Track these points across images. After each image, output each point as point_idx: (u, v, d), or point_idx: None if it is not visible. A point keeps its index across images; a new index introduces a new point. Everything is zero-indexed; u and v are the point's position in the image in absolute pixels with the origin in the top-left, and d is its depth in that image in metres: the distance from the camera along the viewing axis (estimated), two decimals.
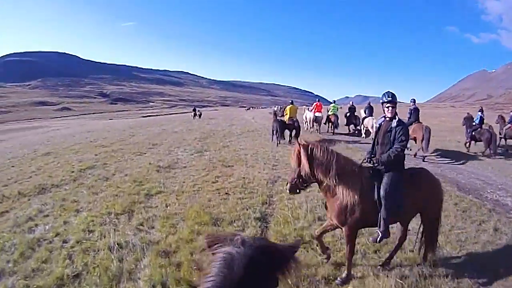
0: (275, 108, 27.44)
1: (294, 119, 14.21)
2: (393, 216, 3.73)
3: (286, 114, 14.71)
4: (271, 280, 1.17)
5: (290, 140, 13.95)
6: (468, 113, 14.19)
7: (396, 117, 3.88)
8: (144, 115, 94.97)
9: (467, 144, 12.91)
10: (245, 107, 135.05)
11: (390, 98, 3.87)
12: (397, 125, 3.82)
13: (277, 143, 13.27)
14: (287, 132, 14.30)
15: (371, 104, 17.16)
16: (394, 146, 3.79)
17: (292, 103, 15.51)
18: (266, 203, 6.05)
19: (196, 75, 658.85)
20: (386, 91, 3.94)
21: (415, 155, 11.17)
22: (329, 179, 3.62)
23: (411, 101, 12.28)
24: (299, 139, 5.23)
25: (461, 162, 10.91)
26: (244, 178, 7.58)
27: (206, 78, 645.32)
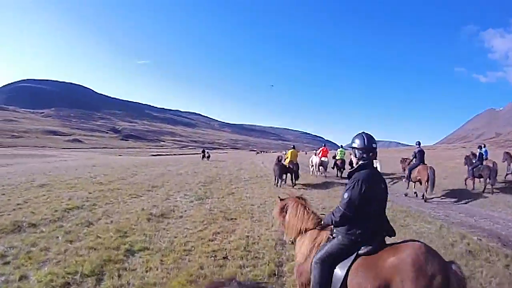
0: (284, 153, 25.93)
1: (294, 163, 15.03)
2: None
3: (287, 158, 15.50)
4: None
5: (293, 184, 14.76)
6: (472, 152, 14.86)
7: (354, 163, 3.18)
8: (154, 153, 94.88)
9: (468, 182, 13.36)
10: (255, 150, 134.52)
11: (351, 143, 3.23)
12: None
13: (277, 185, 14.20)
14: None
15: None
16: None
17: (293, 147, 16.60)
18: (274, 274, 4.68)
19: (208, 117, 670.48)
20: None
21: (425, 200, 11.23)
22: (287, 235, 3.68)
23: (416, 144, 12.55)
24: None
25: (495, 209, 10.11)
26: (248, 236, 6.21)
27: (217, 121, 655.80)
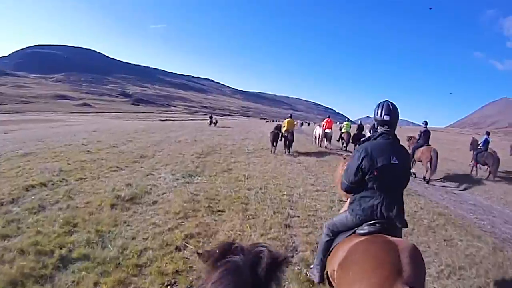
0: (298, 123, 26.44)
1: (290, 131, 15.40)
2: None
3: (284, 127, 15.69)
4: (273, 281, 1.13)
5: (286, 151, 15.22)
6: (473, 138, 14.98)
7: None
8: (163, 118, 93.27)
9: (472, 167, 13.38)
10: (265, 119, 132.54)
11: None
12: None
13: (272, 151, 14.76)
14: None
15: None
16: None
17: (290, 117, 16.49)
18: None
19: (220, 83, 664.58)
20: None
21: (427, 181, 10.93)
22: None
23: (423, 123, 12.32)
24: None
25: None
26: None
27: (229, 87, 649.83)
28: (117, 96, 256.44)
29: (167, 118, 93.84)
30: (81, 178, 8.11)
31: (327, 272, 2.68)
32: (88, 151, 12.38)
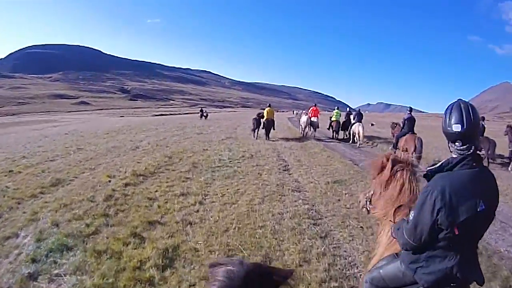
0: (295, 112, 29.21)
1: (269, 120, 16.63)
2: None
3: (265, 116, 16.84)
4: None
5: (266, 137, 16.27)
6: None
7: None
8: (157, 113, 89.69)
9: None
10: (263, 109, 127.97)
11: None
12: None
13: (254, 136, 16.60)
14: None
15: (361, 111, 17.72)
16: None
17: (269, 106, 17.55)
18: None
19: (219, 75, 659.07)
20: None
21: None
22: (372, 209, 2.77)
23: (407, 110, 11.95)
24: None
25: None
26: None
27: (228, 79, 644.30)
28: (115, 93, 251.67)
29: (161, 113, 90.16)
30: None
31: None
32: (11, 170, 9.18)
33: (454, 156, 1.83)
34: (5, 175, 8.57)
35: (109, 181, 7.81)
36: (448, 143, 1.86)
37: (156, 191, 6.89)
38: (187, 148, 12.84)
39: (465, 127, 1.73)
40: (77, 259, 4.08)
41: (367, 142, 16.80)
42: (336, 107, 20.07)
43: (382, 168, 2.55)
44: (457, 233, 1.72)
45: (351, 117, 17.66)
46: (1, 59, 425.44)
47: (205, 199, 6.29)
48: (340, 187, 7.25)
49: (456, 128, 1.75)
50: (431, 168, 1.91)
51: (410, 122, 11.28)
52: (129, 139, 16.24)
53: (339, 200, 6.37)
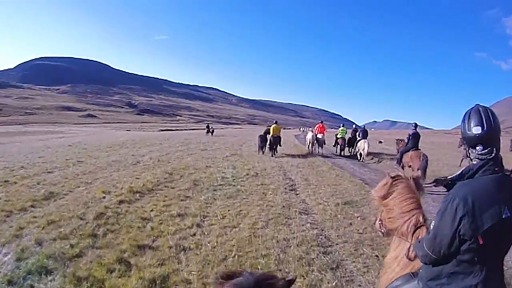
0: (301, 129, 28.02)
1: (275, 136, 16.70)
2: None
3: (271, 132, 17.00)
4: None
5: (272, 154, 16.34)
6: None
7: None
8: (163, 128, 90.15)
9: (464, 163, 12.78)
10: (270, 126, 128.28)
11: None
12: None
13: (259, 153, 16.70)
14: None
15: (366, 128, 18.13)
16: None
17: (276, 123, 17.95)
18: None
19: (226, 92, 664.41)
20: None
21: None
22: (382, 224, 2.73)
23: (412, 126, 11.71)
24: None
25: None
26: None
27: (235, 96, 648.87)
28: (122, 107, 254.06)
29: (167, 128, 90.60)
30: None
31: None
32: (6, 180, 8.93)
33: (475, 162, 1.74)
34: (0, 185, 8.32)
35: (104, 197, 7.38)
36: (468, 149, 1.78)
37: (152, 210, 6.38)
38: (190, 164, 12.37)
39: (485, 129, 1.67)
40: (55, 284, 3.67)
41: (372, 158, 16.70)
42: (342, 124, 20.11)
43: (384, 186, 2.55)
44: (481, 242, 1.58)
45: (357, 134, 17.97)
46: (11, 69, 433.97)
47: (203, 221, 5.74)
48: (352, 209, 6.66)
49: (476, 130, 1.69)
50: (451, 176, 1.88)
51: (414, 138, 11.16)
52: (131, 154, 15.92)
53: (350, 224, 5.80)
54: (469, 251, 1.61)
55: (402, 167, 11.13)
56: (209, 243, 4.77)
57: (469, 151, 1.76)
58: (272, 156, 15.89)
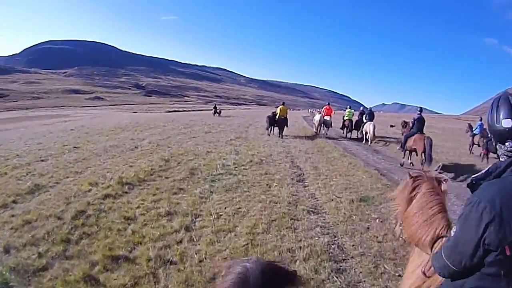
0: (310, 111, 28.21)
1: (282, 117, 16.87)
2: None
3: (278, 113, 17.08)
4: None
5: (279, 135, 16.48)
6: (469, 124, 17.98)
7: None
8: (170, 110, 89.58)
9: (482, 156, 13.14)
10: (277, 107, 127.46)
11: None
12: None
13: (268, 134, 17.13)
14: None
15: (375, 111, 18.72)
16: None
17: (283, 104, 17.86)
18: None
19: (234, 72, 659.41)
20: None
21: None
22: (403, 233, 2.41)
23: (417, 110, 11.55)
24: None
25: None
26: None
27: (243, 76, 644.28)
28: (130, 88, 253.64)
29: (175, 109, 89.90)
30: None
31: None
32: None
33: (502, 159, 1.51)
34: None
35: (89, 190, 6.71)
36: (496, 144, 1.55)
37: (138, 207, 5.63)
38: (189, 149, 11.59)
39: None
40: None
41: (378, 142, 16.46)
42: (349, 106, 20.24)
43: (405, 188, 2.28)
44: (508, 253, 1.32)
45: (363, 116, 17.82)
46: (16, 54, 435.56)
47: (194, 223, 4.95)
48: (368, 208, 5.76)
49: (507, 123, 1.46)
50: (476, 176, 1.58)
51: (419, 123, 11.03)
52: (131, 138, 15.37)
53: (368, 228, 4.89)
54: (494, 263, 1.37)
55: (407, 151, 11.19)
56: (196, 253, 3.98)
57: (497, 146, 1.56)
58: (279, 137, 15.89)
